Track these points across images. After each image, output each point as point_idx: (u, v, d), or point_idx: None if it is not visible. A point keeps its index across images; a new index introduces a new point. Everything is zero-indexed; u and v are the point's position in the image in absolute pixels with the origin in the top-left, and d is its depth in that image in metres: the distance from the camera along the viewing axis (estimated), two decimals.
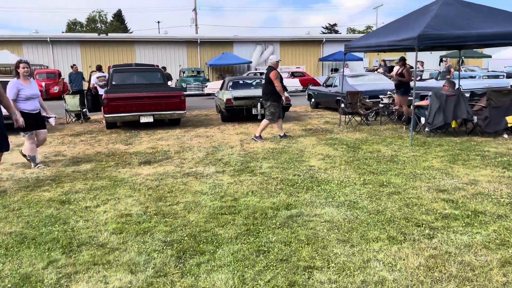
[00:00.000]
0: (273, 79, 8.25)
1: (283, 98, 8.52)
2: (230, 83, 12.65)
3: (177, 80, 26.63)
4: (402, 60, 10.05)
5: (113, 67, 14.57)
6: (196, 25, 45.91)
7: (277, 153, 7.02)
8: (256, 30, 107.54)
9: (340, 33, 59.31)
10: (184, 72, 26.52)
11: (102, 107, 10.19)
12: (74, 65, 13.45)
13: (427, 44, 7.17)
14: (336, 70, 32.25)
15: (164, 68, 20.22)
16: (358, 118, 10.83)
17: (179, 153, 7.30)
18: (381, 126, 10.13)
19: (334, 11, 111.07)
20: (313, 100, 15.51)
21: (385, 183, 4.99)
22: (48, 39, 28.02)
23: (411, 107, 8.40)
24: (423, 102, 8.45)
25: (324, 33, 59.62)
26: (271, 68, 8.42)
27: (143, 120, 10.34)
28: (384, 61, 23.76)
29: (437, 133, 8.32)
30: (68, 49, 28.65)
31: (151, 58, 29.77)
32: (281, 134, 8.74)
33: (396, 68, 10.70)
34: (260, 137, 8.50)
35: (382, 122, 10.69)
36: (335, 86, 13.68)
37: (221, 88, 13.23)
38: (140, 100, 10.29)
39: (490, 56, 29.92)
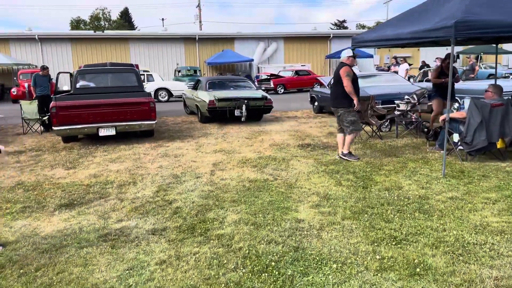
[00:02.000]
0: (343, 77, 6.22)
1: (355, 102, 6.28)
2: (207, 84, 11.90)
3: (172, 79, 24.73)
4: (445, 58, 8.01)
5: (84, 67, 12.68)
6: (200, 22, 44.05)
7: (255, 189, 4.99)
8: (263, 27, 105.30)
9: (350, 29, 56.89)
10: (179, 71, 24.59)
11: (51, 117, 8.27)
12: (45, 66, 11.52)
13: (468, 34, 5.08)
14: None
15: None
16: (368, 129, 8.75)
17: (122, 188, 5.31)
18: (398, 140, 8.05)
19: (343, 7, 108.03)
20: (316, 103, 13.44)
21: (417, 267, 2.94)
22: (37, 37, 26.30)
23: (441, 118, 6.32)
24: (458, 114, 6.34)
25: (332, 29, 57.28)
26: (342, 65, 6.40)
27: (102, 133, 8.38)
28: (395, 58, 21.46)
29: (475, 155, 6.20)
30: (58, 47, 26.90)
31: (147, 56, 27.93)
32: (345, 152, 6.52)
33: (435, 64, 8.56)
34: (350, 154, 6.49)
35: (399, 134, 8.59)
36: None
37: (194, 89, 12.92)
38: (99, 109, 8.33)
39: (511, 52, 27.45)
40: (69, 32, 28.62)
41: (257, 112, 11.46)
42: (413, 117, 8.72)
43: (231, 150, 7.57)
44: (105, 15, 70.02)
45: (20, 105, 10.55)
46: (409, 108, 8.88)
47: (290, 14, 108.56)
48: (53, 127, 8.14)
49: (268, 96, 11.34)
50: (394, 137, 8.47)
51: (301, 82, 24.22)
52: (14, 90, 20.18)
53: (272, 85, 22.92)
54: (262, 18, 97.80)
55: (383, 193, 4.68)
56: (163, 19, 68.48)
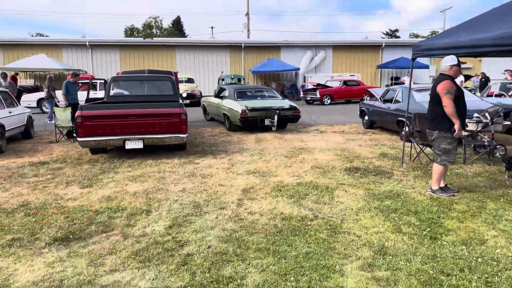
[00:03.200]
0: (442, 95, 4.91)
1: (455, 126, 4.89)
2: (236, 93, 12.00)
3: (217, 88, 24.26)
4: None
5: (122, 73, 12.26)
6: (248, 30, 43.73)
7: (289, 232, 3.97)
8: (311, 36, 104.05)
9: (403, 38, 54.30)
10: (223, 80, 24.05)
11: (76, 127, 7.71)
12: (77, 72, 11.21)
13: None
14: (396, 79, 28.26)
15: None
16: (429, 151, 7.45)
17: (132, 218, 4.48)
18: (466, 167, 6.71)
19: (395, 16, 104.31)
20: (366, 117, 12.17)
21: None
22: (87, 43, 26.86)
23: None
24: None
25: (383, 38, 54.98)
26: (442, 78, 5.06)
27: (129, 145, 7.70)
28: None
29: None
30: (107, 54, 27.34)
31: (192, 64, 27.74)
32: (434, 188, 5.24)
33: (504, 78, 7.16)
34: (443, 189, 5.22)
35: (467, 160, 7.23)
36: (397, 101, 10.30)
37: (218, 97, 13.26)
38: (125, 119, 7.67)
39: None
40: (118, 39, 29.04)
41: (285, 121, 11.76)
42: (485, 140, 7.33)
43: (267, 172, 6.59)
44: (157, 23, 72.01)
45: (54, 112, 10.20)
46: (479, 128, 7.50)
47: (339, 23, 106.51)
48: (77, 138, 7.58)
49: (297, 106, 11.63)
50: (461, 162, 7.12)
51: (349, 93, 22.86)
52: None
53: (318, 96, 21.76)
54: (310, 28, 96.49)
55: (460, 250, 3.49)
56: (212, 28, 69.36)
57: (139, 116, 7.71)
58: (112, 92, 9.57)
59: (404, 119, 9.59)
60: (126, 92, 9.81)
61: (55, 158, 8.01)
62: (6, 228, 4.21)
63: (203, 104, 15.05)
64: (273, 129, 11.17)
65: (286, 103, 11.62)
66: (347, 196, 5.16)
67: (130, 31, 69.34)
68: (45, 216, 4.58)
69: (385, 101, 11.04)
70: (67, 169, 7.10)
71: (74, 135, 10.28)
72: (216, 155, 8.21)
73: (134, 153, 8.24)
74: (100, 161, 7.73)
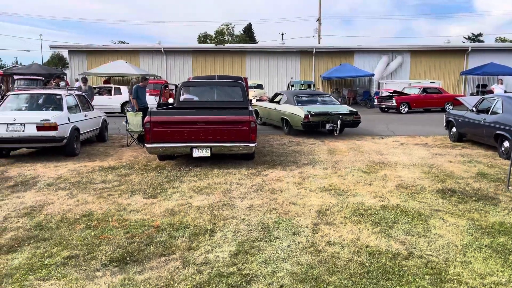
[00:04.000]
0: None
1: None
2: (295, 98, 12.34)
3: None
4: None
5: (193, 79, 12.17)
6: (319, 35, 42.88)
7: (378, 273, 3.22)
8: (385, 41, 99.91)
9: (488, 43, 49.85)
10: (292, 86, 23.46)
11: (144, 133, 7.54)
12: (146, 77, 11.28)
13: None
14: (484, 86, 25.68)
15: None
16: None
17: (195, 239, 4.00)
18: None
19: (477, 20, 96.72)
20: (454, 129, 10.83)
21: None
22: (162, 49, 27.78)
23: None
24: None
25: (464, 43, 50.89)
26: None
27: (196, 153, 7.36)
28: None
29: None
30: (180, 59, 28.07)
31: (262, 70, 27.52)
32: None
33: None
34: None
35: None
36: (495, 112, 8.95)
37: (274, 102, 13.62)
38: (193, 126, 7.35)
39: None
40: (190, 45, 29.81)
41: (345, 126, 11.85)
42: None
43: (344, 190, 5.84)
44: (229, 30, 73.65)
45: (126, 116, 10.29)
46: None
47: (415, 28, 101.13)
48: (145, 144, 7.40)
49: (358, 112, 11.87)
50: None
51: (429, 101, 21.07)
52: None
53: (394, 103, 20.29)
54: (384, 33, 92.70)
55: None
56: (282, 33, 69.12)
57: (207, 123, 7.35)
58: (182, 98, 9.40)
59: (504, 133, 8.28)
60: (196, 98, 9.60)
61: (124, 163, 7.92)
62: (64, 242, 3.94)
63: (255, 109, 14.68)
64: (335, 133, 11.44)
65: (346, 109, 11.96)
66: (446, 228, 4.26)
67: (203, 38, 71.65)
68: (105, 230, 4.27)
69: (479, 111, 9.69)
70: (134, 175, 6.92)
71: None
72: (286, 166, 7.60)
73: (201, 161, 7.91)
74: (167, 168, 7.48)
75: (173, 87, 14.44)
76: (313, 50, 27.28)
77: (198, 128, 7.34)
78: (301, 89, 22.80)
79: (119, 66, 25.29)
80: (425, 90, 21.33)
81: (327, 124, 11.25)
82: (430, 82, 24.38)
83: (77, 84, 19.94)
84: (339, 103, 13.01)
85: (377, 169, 7.28)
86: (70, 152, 8.60)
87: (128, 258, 3.56)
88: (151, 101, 12.88)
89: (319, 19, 42.80)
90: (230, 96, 9.36)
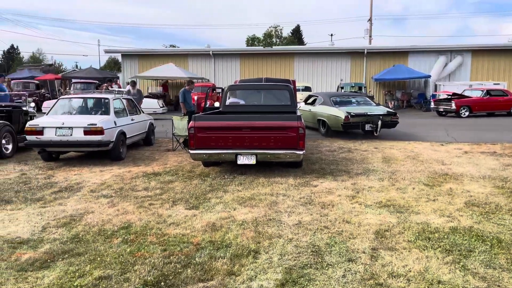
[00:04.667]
0: None
1: None
2: (332, 100, 12.58)
3: None
4: None
5: (239, 82, 11.86)
6: (370, 36, 41.47)
7: None
8: (442, 41, 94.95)
9: None
10: (342, 88, 22.62)
11: (188, 138, 7.29)
12: (192, 81, 11.12)
13: None
14: None
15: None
16: None
17: (236, 262, 3.58)
18: None
19: None
20: None
21: None
22: (211, 53, 27.92)
23: None
24: None
25: None
26: None
27: (241, 160, 6.99)
28: None
29: None
30: (228, 62, 28.07)
31: (310, 72, 26.86)
32: None
33: None
34: None
35: None
36: None
37: (308, 103, 13.77)
38: (238, 132, 6.98)
39: None
40: (238, 48, 29.77)
41: (383, 127, 11.89)
42: None
43: (404, 206, 5.19)
44: (277, 33, 73.34)
45: (172, 120, 10.16)
46: None
47: (474, 26, 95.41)
48: (189, 150, 7.13)
49: (396, 112, 12.19)
50: None
51: (493, 105, 19.44)
52: None
53: (453, 107, 18.89)
54: (439, 32, 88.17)
55: None
56: (331, 35, 67.87)
57: (253, 129, 6.95)
58: (228, 102, 9.10)
59: None
60: (242, 102, 9.28)
61: (168, 169, 7.72)
62: (98, 259, 3.68)
63: None
64: (376, 133, 11.62)
65: (383, 109, 12.28)
66: None
67: (251, 40, 71.86)
68: (142, 246, 3.98)
69: None
70: (177, 183, 6.66)
71: None
72: (337, 176, 7.03)
73: (247, 168, 7.52)
74: (211, 175, 7.17)
75: (220, 90, 14.24)
76: (364, 51, 26.23)
77: (243, 134, 6.97)
78: (351, 92, 21.94)
79: (168, 70, 25.71)
80: (488, 92, 19.71)
81: (366, 125, 11.51)
82: (494, 84, 22.58)
83: (128, 88, 20.41)
84: (374, 104, 13.27)
85: (441, 182, 6.52)
86: (116, 157, 8.55)
87: (162, 283, 3.21)
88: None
89: (370, 19, 41.40)
90: (278, 100, 8.95)
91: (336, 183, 6.50)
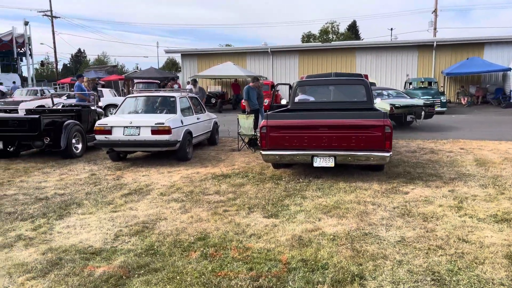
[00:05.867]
0: None
1: None
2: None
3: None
4: None
5: (306, 77, 11.19)
6: (435, 28, 38.95)
7: None
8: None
9: None
10: (410, 84, 21.15)
11: (260, 138, 6.76)
12: (258, 77, 10.56)
13: None
14: None
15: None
16: None
17: None
18: None
19: None
20: None
21: None
22: (269, 50, 27.44)
23: None
24: None
25: None
26: None
27: (318, 163, 6.33)
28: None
29: None
30: (286, 59, 27.43)
31: (373, 67, 25.49)
32: None
33: None
34: None
35: None
36: None
37: None
38: (315, 131, 6.33)
39: None
40: (297, 45, 29.08)
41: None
42: None
43: None
44: (333, 29, 71.52)
45: (238, 119, 9.71)
46: None
47: None
48: (261, 151, 6.60)
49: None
50: None
51: None
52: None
53: None
54: (508, 23, 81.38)
55: None
56: (391, 29, 64.89)
57: (332, 128, 6.27)
58: (297, 99, 8.46)
59: None
60: (312, 99, 8.61)
61: (237, 171, 7.25)
62: (178, 277, 3.21)
63: None
64: (418, 124, 12.64)
65: (421, 101, 13.28)
66: None
67: (307, 37, 70.63)
68: (224, 263, 3.47)
69: None
70: (249, 186, 6.15)
71: (259, 144, 9.66)
72: (428, 181, 6.16)
73: (322, 171, 6.86)
74: (284, 178, 6.59)
75: (279, 87, 13.65)
76: (433, 44, 24.39)
77: (321, 133, 6.30)
78: (420, 87, 20.45)
79: (227, 68, 25.61)
80: None
81: (408, 116, 12.64)
82: None
83: (188, 87, 20.45)
84: (409, 97, 14.25)
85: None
86: (182, 157, 8.25)
87: None
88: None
89: (435, 11, 38.85)
90: (352, 96, 8.17)
91: (430, 190, 5.65)
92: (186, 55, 29.06)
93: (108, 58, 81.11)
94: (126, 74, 39.56)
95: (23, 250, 3.82)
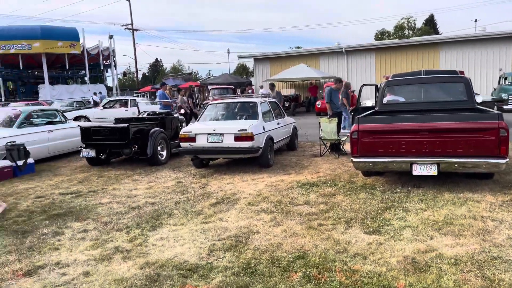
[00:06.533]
0: None
1: None
2: None
3: (494, 90, 19.60)
4: None
5: (392, 77, 10.44)
6: None
7: None
8: None
9: None
10: (505, 79, 19.09)
11: (350, 144, 6.27)
12: (341, 79, 10.03)
13: None
14: None
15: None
16: None
17: None
18: None
19: None
20: None
21: None
22: (344, 50, 26.55)
23: None
24: None
25: None
26: None
27: (418, 171, 5.70)
28: None
29: None
30: (362, 59, 26.35)
31: (460, 63, 23.50)
32: None
33: None
34: None
35: None
36: None
37: None
38: (414, 136, 5.71)
39: None
40: (373, 43, 27.82)
41: None
42: None
43: None
44: (409, 24, 67.93)
45: (319, 122, 9.28)
46: None
47: None
48: (352, 158, 6.12)
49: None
50: None
51: None
52: (318, 103, 20.59)
53: None
54: None
55: None
56: (476, 20, 59.80)
57: (434, 132, 5.61)
58: (385, 100, 7.83)
59: None
60: (402, 99, 7.92)
61: (323, 179, 6.84)
62: None
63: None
64: None
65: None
66: None
67: (380, 35, 67.83)
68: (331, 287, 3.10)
69: None
70: (340, 196, 5.72)
71: (343, 149, 9.16)
72: None
73: (420, 179, 6.20)
74: (378, 187, 6.05)
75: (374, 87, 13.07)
76: None
77: (422, 138, 5.67)
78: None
79: (300, 71, 25.25)
80: None
81: None
82: None
83: (262, 91, 20.39)
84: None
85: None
86: (264, 163, 8.03)
87: None
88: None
89: None
90: (449, 95, 7.37)
91: None
92: (258, 59, 29.17)
93: (183, 66, 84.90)
94: (200, 81, 40.89)
95: (121, 263, 3.79)
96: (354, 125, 6.10)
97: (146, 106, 19.46)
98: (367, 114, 7.26)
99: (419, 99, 7.71)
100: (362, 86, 8.93)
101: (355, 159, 6.06)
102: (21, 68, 32.44)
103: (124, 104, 19.49)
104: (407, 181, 6.23)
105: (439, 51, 24.26)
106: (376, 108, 8.00)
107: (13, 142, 8.32)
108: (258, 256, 3.78)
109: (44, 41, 31.08)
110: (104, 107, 19.14)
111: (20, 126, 9.04)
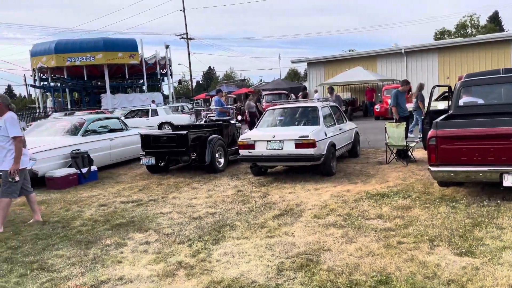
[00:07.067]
0: None
1: None
2: None
3: None
4: None
5: (466, 77, 9.58)
6: None
7: None
8: None
9: None
10: None
11: (428, 151, 5.66)
12: (407, 80, 9.34)
13: None
14: None
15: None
16: None
17: None
18: None
19: None
20: None
21: None
22: (403, 51, 25.33)
23: None
24: None
25: None
26: None
27: (509, 181, 5.00)
28: None
29: None
30: (423, 59, 24.97)
31: None
32: None
33: None
34: None
35: None
36: None
37: None
38: (503, 142, 5.03)
39: None
40: (436, 42, 26.28)
41: None
42: None
43: None
44: (472, 22, 63.98)
45: (385, 127, 8.66)
46: None
47: None
48: (429, 167, 5.52)
49: None
50: None
51: None
52: (377, 107, 19.69)
53: None
54: None
55: None
56: None
57: None
58: (462, 102, 7.11)
59: None
60: (480, 101, 7.16)
61: (394, 189, 6.27)
62: None
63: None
64: None
65: None
66: None
67: (440, 35, 64.44)
68: None
69: None
70: (417, 210, 5.15)
71: (412, 156, 8.48)
72: None
73: (510, 190, 5.46)
74: (460, 200, 5.40)
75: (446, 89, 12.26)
76: None
77: (510, 144, 4.98)
78: None
79: (356, 74, 24.41)
80: None
81: None
82: None
83: (316, 96, 19.85)
84: None
85: None
86: (326, 171, 7.58)
87: None
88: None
89: None
90: None
91: None
92: (312, 63, 28.64)
93: (235, 73, 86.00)
94: (253, 87, 40.97)
95: (185, 281, 3.54)
96: (432, 130, 5.50)
97: (166, 116, 19.39)
98: (443, 118, 6.60)
99: (499, 101, 6.93)
100: (434, 87, 8.20)
101: (433, 168, 5.46)
102: (85, 78, 34.28)
103: (145, 113, 19.62)
104: (492, 193, 5.52)
105: (510, 48, 22.38)
106: (451, 112, 7.28)
107: (78, 150, 8.53)
108: (334, 279, 3.37)
109: (106, 52, 32.64)
110: (126, 117, 18.80)
111: (84, 134, 9.29)
